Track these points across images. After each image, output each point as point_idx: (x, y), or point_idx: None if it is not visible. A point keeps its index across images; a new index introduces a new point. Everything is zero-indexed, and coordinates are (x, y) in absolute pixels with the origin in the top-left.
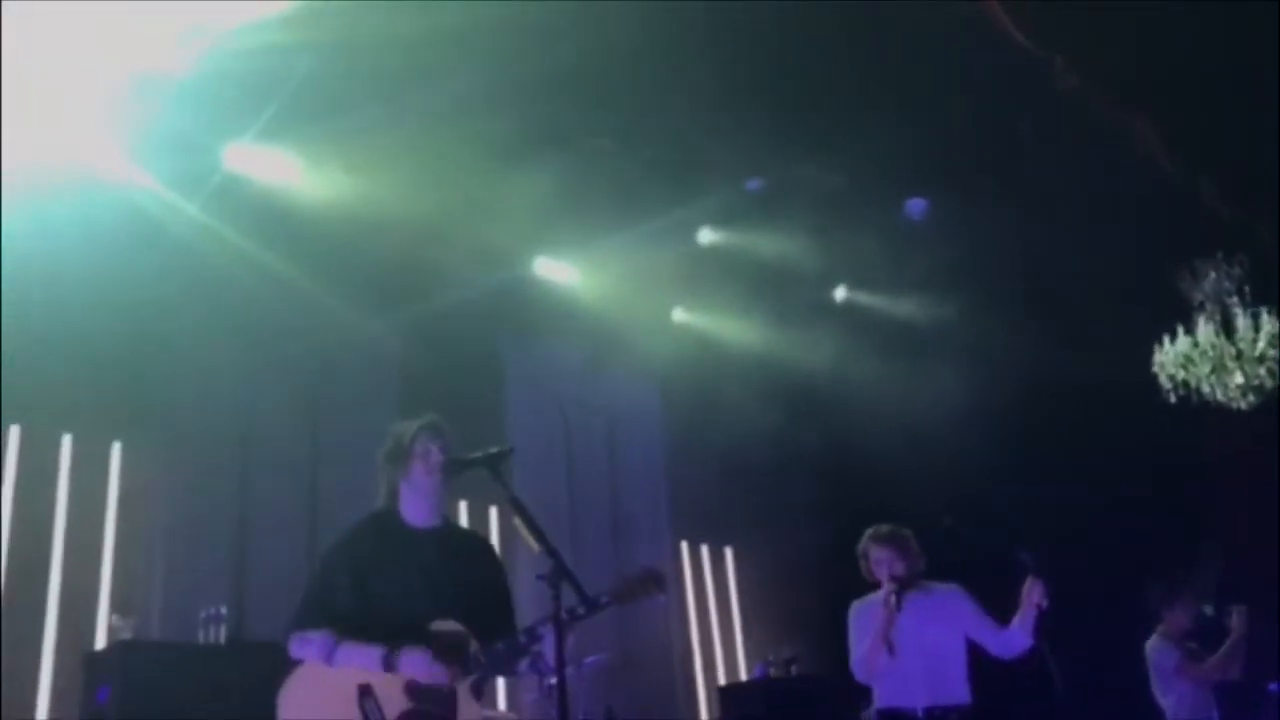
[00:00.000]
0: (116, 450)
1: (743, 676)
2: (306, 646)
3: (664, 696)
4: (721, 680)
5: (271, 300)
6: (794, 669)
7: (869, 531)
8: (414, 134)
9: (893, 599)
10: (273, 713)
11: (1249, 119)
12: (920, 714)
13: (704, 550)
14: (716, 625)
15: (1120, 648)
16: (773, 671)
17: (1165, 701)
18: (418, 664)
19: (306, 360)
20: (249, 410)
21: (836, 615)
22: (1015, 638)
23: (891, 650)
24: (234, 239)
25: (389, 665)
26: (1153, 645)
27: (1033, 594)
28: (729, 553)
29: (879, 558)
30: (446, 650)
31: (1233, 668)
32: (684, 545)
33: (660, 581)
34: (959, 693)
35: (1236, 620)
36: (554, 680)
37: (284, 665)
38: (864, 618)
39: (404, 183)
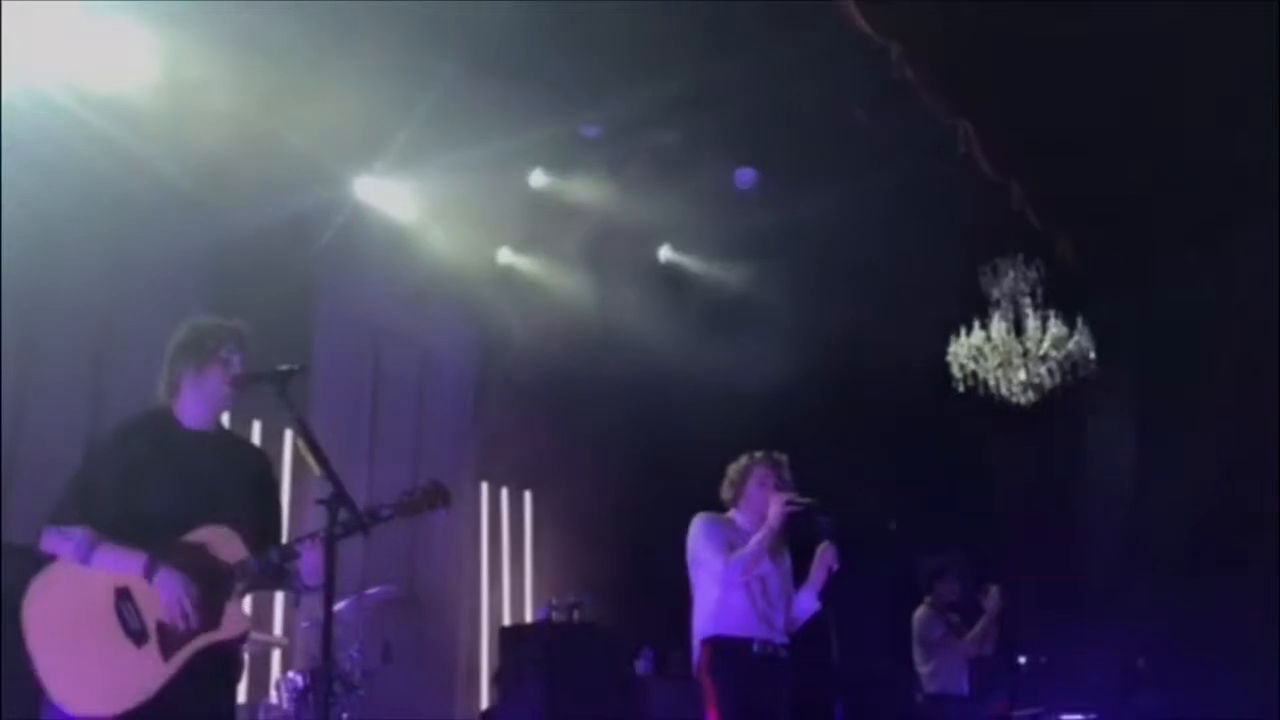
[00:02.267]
0: None
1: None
2: (63, 542)
3: (447, 634)
4: (507, 623)
5: (69, 185)
6: (577, 615)
7: (755, 454)
8: (243, 29)
9: (794, 506)
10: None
11: (1064, 132)
12: (755, 646)
13: (504, 493)
14: (508, 568)
15: (888, 616)
16: (555, 616)
17: (923, 669)
18: (172, 587)
19: (99, 258)
20: (31, 301)
21: (624, 569)
22: (804, 601)
23: (774, 557)
24: (38, 109)
25: (149, 575)
26: (920, 616)
27: (825, 557)
28: (528, 497)
29: (764, 476)
30: (210, 561)
31: (987, 642)
32: (484, 486)
33: (445, 496)
34: (782, 633)
35: (991, 599)
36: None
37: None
38: (723, 528)
39: (228, 78)
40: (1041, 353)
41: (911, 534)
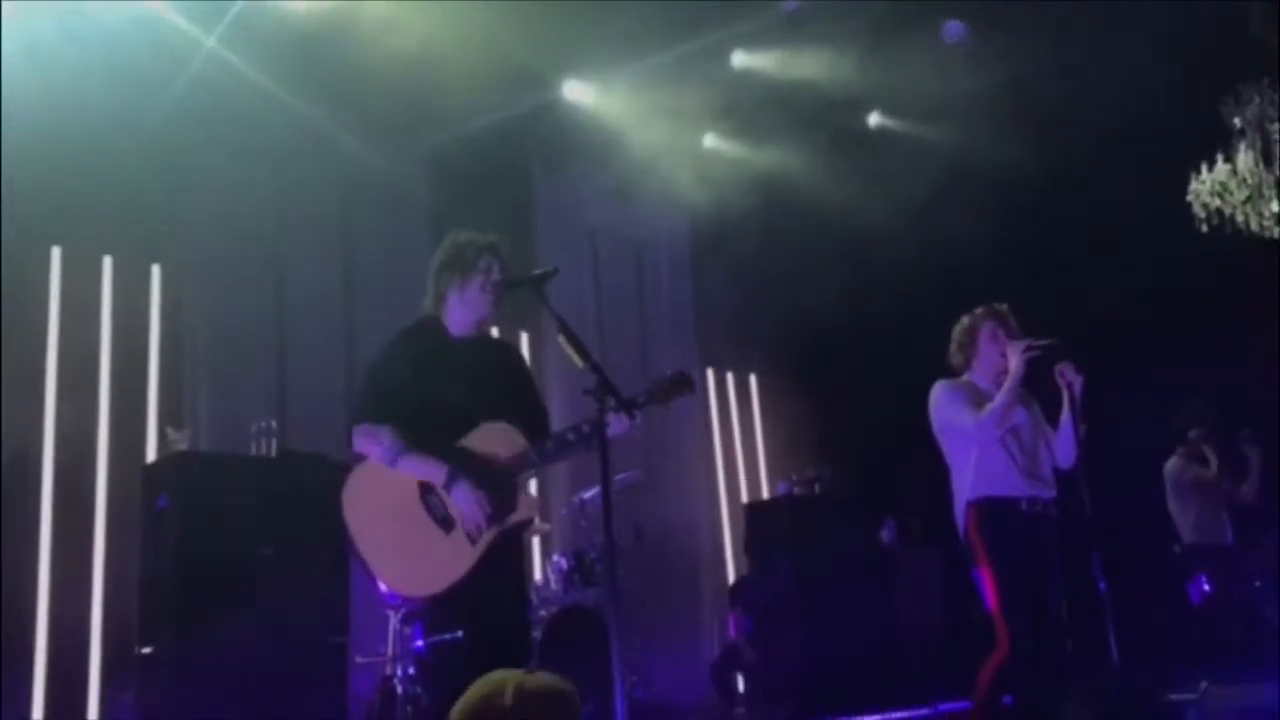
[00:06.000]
0: (156, 272)
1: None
2: (372, 444)
3: (689, 515)
4: (745, 501)
5: (295, 126)
6: (818, 488)
7: (977, 310)
8: None
9: (1035, 350)
10: (324, 518)
11: None
12: (1024, 505)
13: (729, 377)
14: (740, 449)
15: (1141, 467)
16: (796, 490)
17: (1181, 519)
18: (468, 501)
19: (335, 184)
20: (280, 232)
21: (855, 441)
22: (1065, 439)
23: (1025, 408)
24: (254, 67)
25: (448, 488)
26: (1172, 465)
27: (1067, 375)
28: (754, 379)
29: (994, 329)
30: (496, 460)
31: (1250, 490)
32: (710, 372)
33: (689, 383)
34: (1050, 485)
35: (1250, 445)
36: (584, 495)
37: (332, 474)
38: (964, 390)
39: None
40: None
41: (1161, 382)
